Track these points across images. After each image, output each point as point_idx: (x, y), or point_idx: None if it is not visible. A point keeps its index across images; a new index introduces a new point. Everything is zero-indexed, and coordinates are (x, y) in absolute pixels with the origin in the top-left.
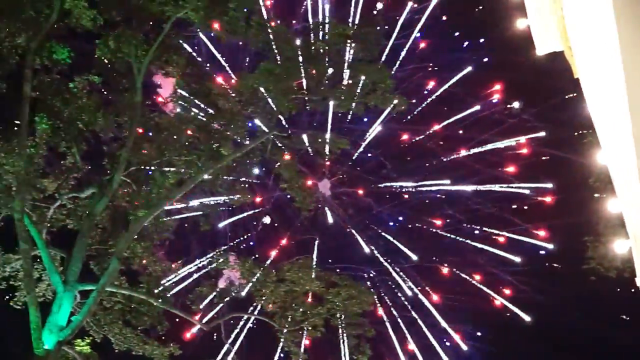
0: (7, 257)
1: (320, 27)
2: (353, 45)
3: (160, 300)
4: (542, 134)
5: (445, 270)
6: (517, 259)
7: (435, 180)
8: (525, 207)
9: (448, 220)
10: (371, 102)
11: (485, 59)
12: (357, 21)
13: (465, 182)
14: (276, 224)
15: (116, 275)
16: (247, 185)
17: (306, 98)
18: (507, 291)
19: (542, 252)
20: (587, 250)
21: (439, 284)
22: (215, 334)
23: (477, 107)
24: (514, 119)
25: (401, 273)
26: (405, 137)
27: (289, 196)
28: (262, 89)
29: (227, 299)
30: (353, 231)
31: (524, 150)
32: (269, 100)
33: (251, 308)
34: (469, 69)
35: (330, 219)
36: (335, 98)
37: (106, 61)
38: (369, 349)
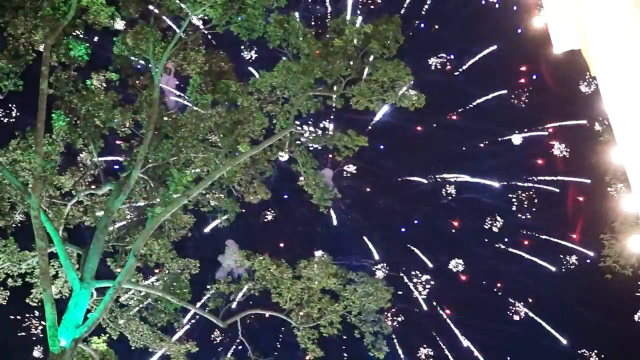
0: (23, 254)
1: (337, 24)
2: (371, 42)
3: (177, 298)
4: (584, 122)
5: (463, 274)
6: (552, 268)
7: (450, 173)
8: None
9: (465, 218)
10: (390, 99)
11: (493, 48)
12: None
13: (481, 176)
14: (277, 218)
15: (133, 272)
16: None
17: (324, 95)
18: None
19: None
20: (603, 248)
21: (455, 291)
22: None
23: (489, 97)
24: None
25: (413, 279)
26: (413, 126)
27: (286, 196)
28: (281, 87)
29: (243, 295)
30: (361, 232)
31: (551, 144)
32: (288, 98)
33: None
34: (494, 47)
35: (333, 213)
36: (353, 96)
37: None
38: (385, 345)
